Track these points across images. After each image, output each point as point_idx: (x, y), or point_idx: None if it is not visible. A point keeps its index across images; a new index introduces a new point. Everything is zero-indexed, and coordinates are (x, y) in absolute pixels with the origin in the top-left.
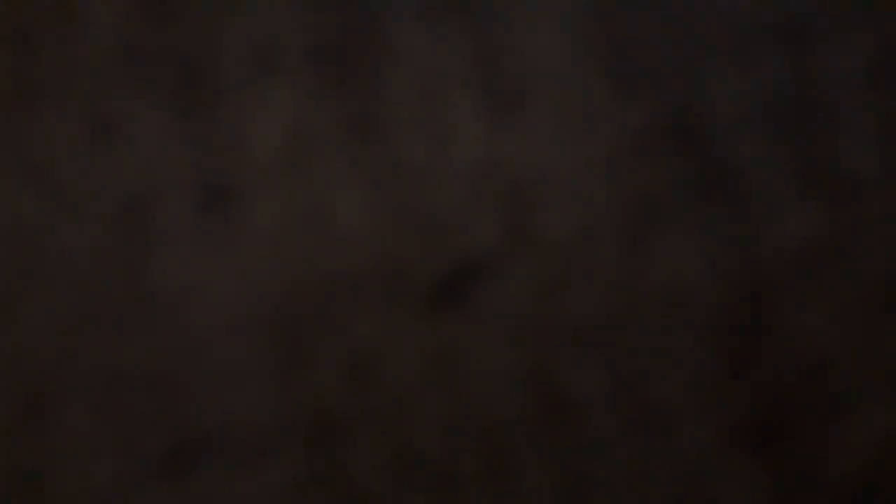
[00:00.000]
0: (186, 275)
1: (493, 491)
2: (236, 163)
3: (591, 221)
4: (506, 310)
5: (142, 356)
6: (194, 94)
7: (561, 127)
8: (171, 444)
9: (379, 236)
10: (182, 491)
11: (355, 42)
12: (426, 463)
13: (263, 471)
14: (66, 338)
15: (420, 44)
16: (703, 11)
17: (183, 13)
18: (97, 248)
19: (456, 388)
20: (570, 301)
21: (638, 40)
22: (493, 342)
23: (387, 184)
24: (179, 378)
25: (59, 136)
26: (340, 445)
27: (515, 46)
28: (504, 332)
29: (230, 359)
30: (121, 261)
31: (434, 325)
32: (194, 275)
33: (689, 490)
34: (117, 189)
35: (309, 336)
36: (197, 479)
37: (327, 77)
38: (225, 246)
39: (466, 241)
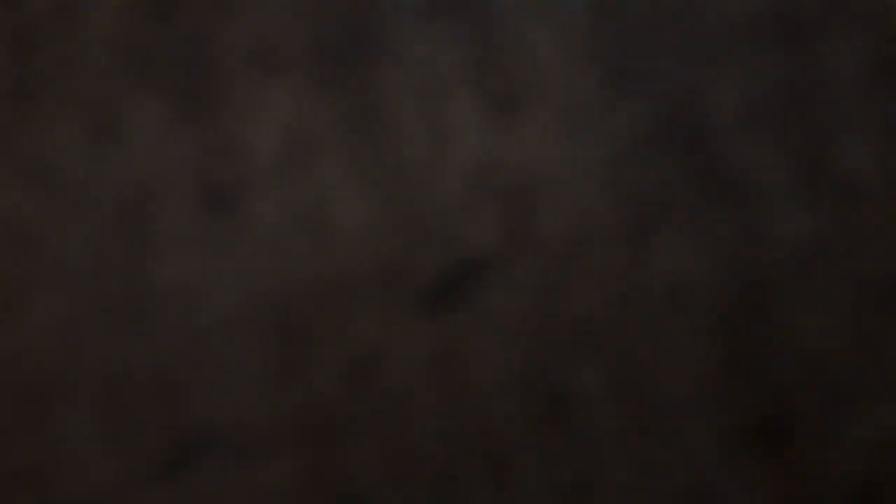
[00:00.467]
0: (187, 274)
1: (493, 491)
2: (237, 162)
3: (590, 221)
4: (505, 309)
5: (143, 355)
6: (195, 94)
7: (560, 127)
8: (172, 443)
9: (379, 236)
10: (182, 490)
11: (355, 42)
12: (426, 462)
13: (264, 470)
14: (68, 337)
15: (419, 44)
16: (704, 11)
17: (183, 13)
18: (98, 247)
19: (456, 387)
20: (569, 300)
21: (638, 40)
22: (493, 342)
23: (386, 183)
24: (180, 377)
25: (59, 136)
26: (340, 445)
27: (515, 46)
28: (504, 331)
29: (231, 358)
30: (122, 260)
31: (434, 324)
32: (195, 274)
33: (689, 489)
34: (118, 188)
35: (309, 335)
36: (197, 478)
37: (327, 77)
38: (225, 245)
39: (466, 240)
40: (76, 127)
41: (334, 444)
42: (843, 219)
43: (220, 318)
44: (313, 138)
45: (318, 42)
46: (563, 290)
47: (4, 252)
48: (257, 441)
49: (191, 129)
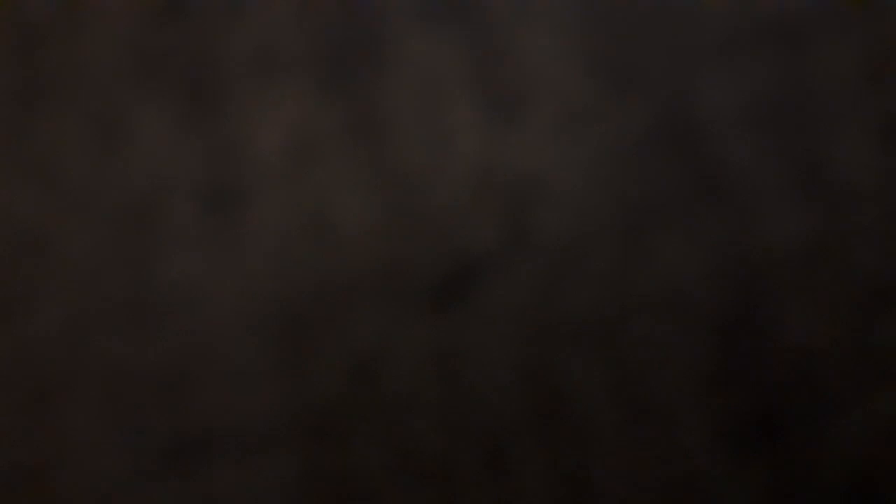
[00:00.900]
0: (191, 275)
1: (494, 488)
2: (241, 165)
3: (588, 222)
4: (505, 309)
5: (146, 355)
6: (199, 96)
7: (559, 128)
8: (175, 442)
9: (380, 237)
10: (185, 488)
11: (357, 45)
12: (427, 461)
13: (266, 468)
14: (72, 337)
15: (420, 46)
16: (700, 13)
17: (189, 17)
18: (103, 248)
19: (456, 387)
20: (568, 300)
21: (635, 42)
22: (493, 341)
23: (388, 185)
24: (183, 376)
25: (65, 138)
26: (342, 443)
27: (514, 48)
28: (503, 331)
29: (234, 358)
30: (126, 261)
31: (435, 324)
32: (199, 275)
33: (686, 487)
34: (123, 190)
35: (312, 335)
36: (200, 477)
37: (330, 79)
38: (229, 246)
39: (466, 241)
40: (81, 129)
41: (336, 443)
42: (839, 220)
43: (224, 319)
44: (316, 141)
45: (321, 46)
46: (561, 290)
47: (10, 252)
48: (260, 440)
49: (195, 131)
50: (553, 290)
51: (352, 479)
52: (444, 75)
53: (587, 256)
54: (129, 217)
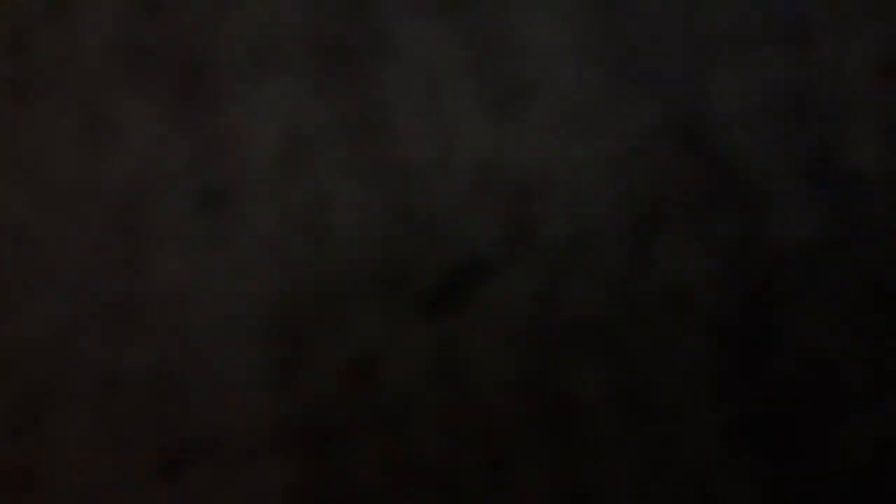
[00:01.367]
0: (183, 275)
1: (494, 492)
2: (234, 161)
3: (593, 221)
4: (506, 311)
5: (139, 357)
6: (191, 92)
7: (563, 125)
8: (169, 446)
9: (378, 235)
10: (179, 493)
11: (354, 39)
12: (426, 464)
13: (262, 473)
14: (62, 339)
15: (421, 41)
16: (708, 9)
17: (179, 10)
18: (93, 247)
19: (456, 388)
20: (571, 301)
21: (642, 38)
22: (494, 342)
23: (386, 182)
24: (176, 380)
25: (52, 134)
26: (340, 447)
27: (517, 44)
28: (505, 332)
29: (228, 360)
30: (117, 261)
31: (434, 325)
32: (191, 275)
33: (690, 491)
34: (113, 188)
35: (308, 337)
36: (194, 482)
37: (326, 74)
38: (222, 246)
39: (467, 240)
40: (71, 126)
41: (334, 446)
42: (848, 219)
43: (218, 320)
44: (311, 137)
45: (316, 39)
46: (564, 291)
47: None
48: (255, 444)
49: (186, 128)
50: (556, 290)
51: (349, 486)
52: (444, 69)
53: (591, 256)
54: (118, 216)
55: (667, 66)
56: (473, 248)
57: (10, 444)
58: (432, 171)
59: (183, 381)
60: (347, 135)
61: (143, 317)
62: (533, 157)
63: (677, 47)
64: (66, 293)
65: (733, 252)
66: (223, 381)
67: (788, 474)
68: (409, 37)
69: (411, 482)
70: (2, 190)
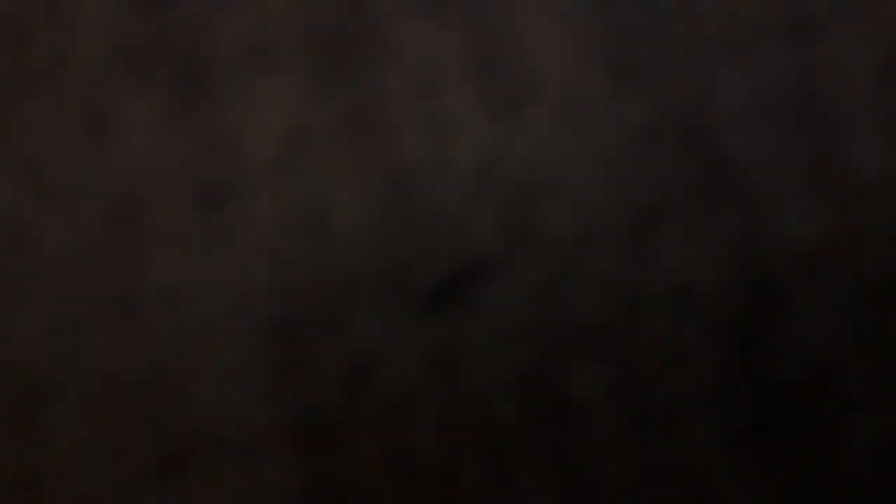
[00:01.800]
0: (181, 275)
1: (493, 494)
2: (232, 160)
3: (593, 220)
4: (506, 310)
5: (136, 357)
6: (189, 90)
7: (563, 124)
8: (167, 447)
9: (378, 235)
10: (177, 494)
11: (353, 37)
12: (425, 465)
13: (260, 474)
14: (60, 338)
15: (419, 39)
16: (708, 7)
17: (178, 8)
18: (90, 247)
19: (455, 389)
20: (571, 301)
21: (642, 36)
22: (494, 342)
23: (385, 182)
24: (175, 379)
25: (52, 133)
26: (338, 448)
27: (517, 42)
28: (505, 332)
29: (227, 360)
30: (115, 260)
31: (434, 325)
32: (189, 275)
33: (692, 493)
34: (111, 187)
35: (306, 337)
36: (192, 482)
37: (325, 73)
38: (221, 245)
39: (466, 239)
40: (68, 125)
41: (333, 447)
42: (849, 218)
43: (216, 319)
44: (310, 136)
45: (315, 37)
46: (564, 290)
47: None
48: (254, 444)
49: (185, 126)
50: (556, 290)
51: (348, 486)
52: (444, 68)
53: (591, 255)
54: (118, 215)
55: (667, 66)
56: (473, 248)
57: (7, 443)
58: (431, 170)
59: (181, 380)
60: (346, 134)
61: (142, 316)
62: (532, 155)
63: (677, 46)
64: (64, 292)
65: (734, 252)
66: (222, 380)
67: (789, 474)
68: (408, 35)
69: (411, 482)
70: None
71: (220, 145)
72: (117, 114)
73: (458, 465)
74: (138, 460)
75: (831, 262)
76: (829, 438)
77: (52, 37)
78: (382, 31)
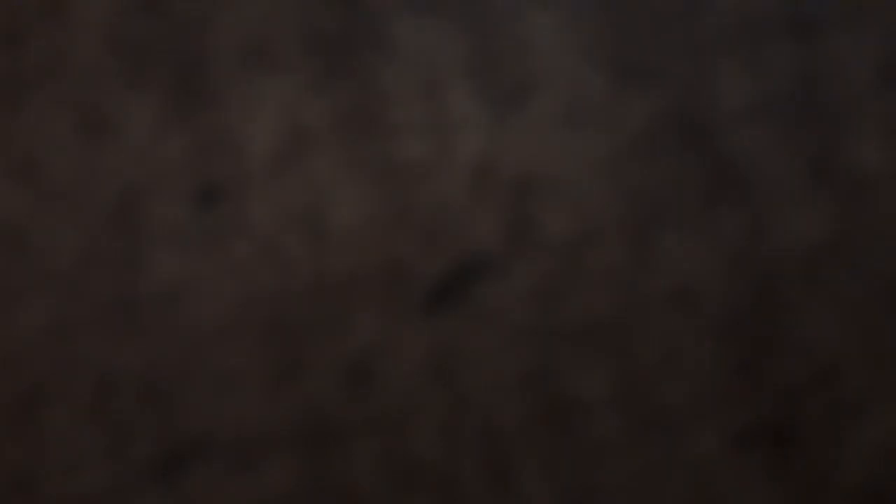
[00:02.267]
0: (179, 274)
1: (494, 494)
2: (230, 159)
3: (594, 220)
4: (507, 310)
5: (135, 357)
6: (187, 89)
7: (564, 123)
8: (166, 448)
9: (377, 235)
10: (176, 495)
11: (352, 35)
12: (425, 466)
13: (258, 475)
14: (58, 338)
15: (419, 37)
16: (711, 6)
17: (175, 6)
18: (88, 246)
19: (456, 389)
20: (572, 301)
21: (644, 35)
22: (494, 343)
23: (385, 181)
24: (173, 380)
25: (49, 132)
26: (338, 449)
27: (517, 40)
28: (505, 332)
29: (225, 360)
30: (113, 259)
31: (434, 325)
32: (187, 274)
33: (694, 495)
34: (108, 186)
35: (305, 337)
36: (191, 484)
37: (323, 71)
38: (219, 245)
39: (467, 239)
40: (66, 124)
41: (333, 447)
42: (852, 217)
43: (215, 319)
44: (309, 134)
45: (314, 35)
46: (565, 290)
47: None
48: (253, 445)
49: (183, 125)
50: (556, 289)
51: (347, 486)
52: (444, 66)
53: (592, 255)
54: (115, 214)
55: (669, 64)
56: (473, 247)
57: (5, 443)
58: (431, 168)
59: (180, 381)
60: (345, 132)
61: (141, 315)
62: (533, 154)
63: (679, 45)
64: (62, 291)
65: (736, 251)
66: (220, 381)
67: (794, 478)
68: (408, 33)
69: (410, 482)
70: None
71: (219, 144)
72: (116, 113)
73: (458, 464)
74: (137, 461)
75: (832, 261)
76: (830, 439)
77: (50, 35)
78: (382, 29)
